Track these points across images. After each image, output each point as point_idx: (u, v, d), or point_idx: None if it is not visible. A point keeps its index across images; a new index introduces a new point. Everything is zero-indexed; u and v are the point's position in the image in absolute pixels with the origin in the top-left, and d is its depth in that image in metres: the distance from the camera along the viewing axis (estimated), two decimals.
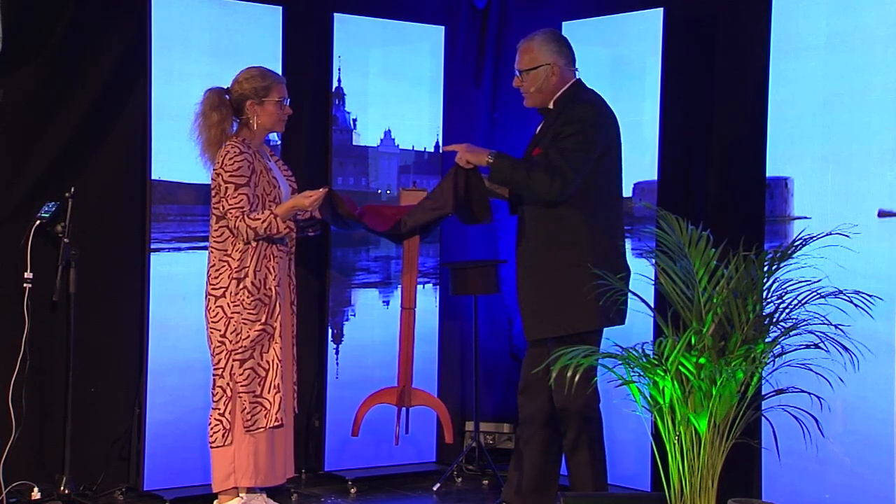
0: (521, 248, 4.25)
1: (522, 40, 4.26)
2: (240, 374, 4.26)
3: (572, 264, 4.05)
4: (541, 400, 4.23)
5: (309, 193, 4.24)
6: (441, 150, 5.53)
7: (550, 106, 4.23)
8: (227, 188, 4.23)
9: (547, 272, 4.15)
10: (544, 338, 4.14)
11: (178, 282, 4.79)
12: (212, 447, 4.29)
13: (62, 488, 4.58)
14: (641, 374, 3.53)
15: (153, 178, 4.79)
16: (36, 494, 4.56)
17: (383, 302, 5.42)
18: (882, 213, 4.16)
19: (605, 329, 4.15)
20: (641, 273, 4.17)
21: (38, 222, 4.56)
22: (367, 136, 5.41)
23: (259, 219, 4.20)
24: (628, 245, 4.94)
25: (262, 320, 4.27)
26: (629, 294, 3.91)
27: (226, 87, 4.35)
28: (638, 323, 4.24)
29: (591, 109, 4.14)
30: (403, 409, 4.85)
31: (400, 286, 5.19)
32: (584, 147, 4.07)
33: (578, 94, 4.20)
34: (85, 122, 4.82)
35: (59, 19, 4.73)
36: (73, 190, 4.61)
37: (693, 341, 3.49)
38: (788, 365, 3.61)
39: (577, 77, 4.25)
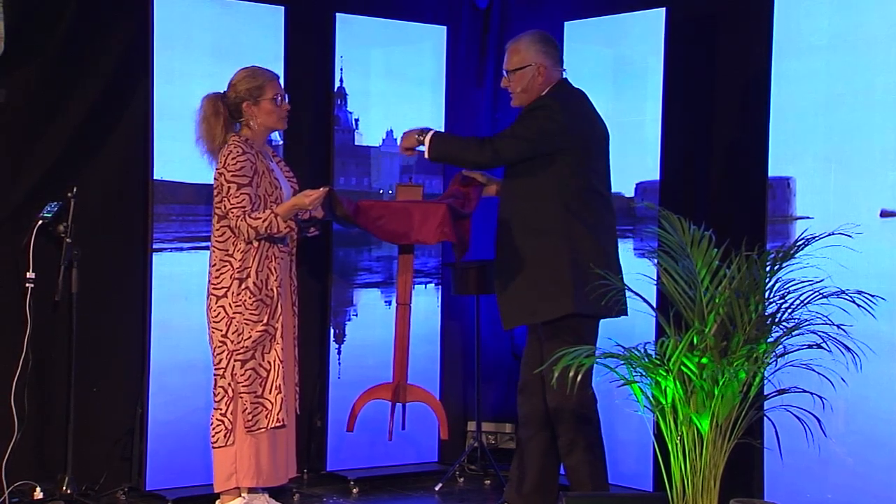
0: (498, 239, 4.28)
1: (510, 41, 4.30)
2: (241, 375, 4.26)
3: (544, 254, 4.08)
4: (536, 400, 4.23)
5: (309, 193, 4.24)
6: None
7: None
8: (229, 188, 4.23)
9: (520, 261, 4.17)
10: (516, 326, 4.21)
11: (180, 282, 4.79)
12: (213, 447, 4.29)
13: (64, 488, 4.58)
14: (643, 373, 3.53)
15: (155, 178, 4.79)
16: (38, 494, 4.56)
17: (385, 302, 5.42)
18: (884, 213, 4.16)
19: (605, 326, 4.15)
20: (643, 273, 4.16)
21: (40, 222, 4.56)
22: (369, 136, 5.41)
23: (260, 218, 4.20)
24: (630, 245, 4.95)
25: (264, 321, 4.27)
26: (626, 293, 3.91)
27: (223, 91, 4.35)
28: (640, 323, 4.24)
29: (554, 102, 4.16)
30: (399, 404, 4.85)
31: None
32: (529, 127, 4.14)
33: (558, 94, 4.21)
34: (86, 123, 4.82)
35: (61, 20, 4.74)
36: (75, 190, 4.61)
37: (695, 341, 3.49)
38: (791, 365, 3.61)
39: (564, 77, 4.26)
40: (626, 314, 4.15)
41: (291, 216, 4.24)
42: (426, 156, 4.29)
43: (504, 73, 4.28)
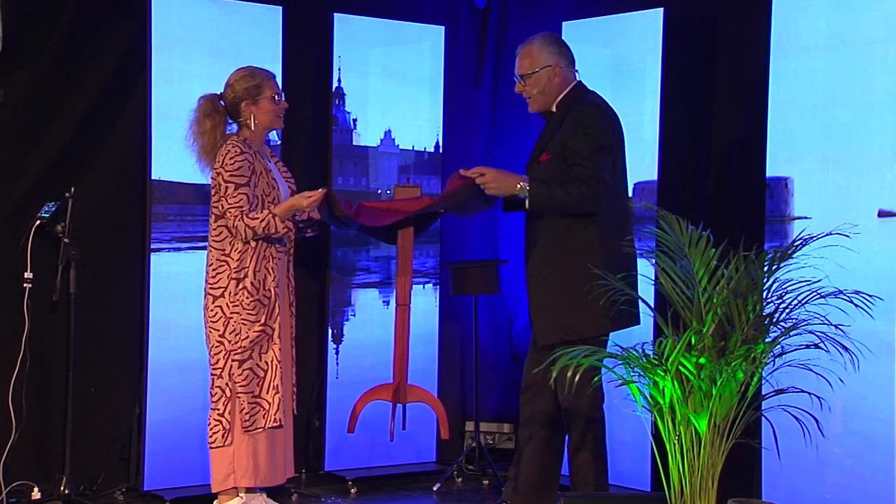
0: (530, 252, 4.23)
1: (521, 45, 4.24)
2: (238, 375, 4.26)
3: (581, 270, 4.03)
4: (542, 400, 4.22)
5: (308, 194, 4.24)
6: (442, 150, 5.54)
7: (553, 109, 4.22)
8: (227, 187, 4.23)
9: (557, 278, 4.13)
10: (553, 343, 4.11)
11: (178, 282, 4.79)
12: (211, 447, 4.29)
13: (62, 488, 4.58)
14: (641, 374, 3.53)
15: (153, 178, 4.79)
16: (36, 494, 4.56)
17: (383, 302, 5.42)
18: (882, 213, 4.16)
19: (613, 331, 4.14)
20: (642, 273, 4.17)
21: (38, 222, 4.56)
22: (367, 136, 5.41)
23: (258, 218, 4.20)
24: None
25: (262, 321, 4.27)
26: (636, 296, 3.90)
27: (219, 92, 4.35)
28: None
29: (597, 110, 4.13)
30: (399, 405, 4.86)
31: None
32: (603, 150, 4.05)
33: (580, 96, 4.19)
34: (85, 123, 4.82)
35: (59, 20, 4.73)
36: (73, 190, 4.61)
37: (693, 341, 3.49)
38: (788, 365, 3.61)
39: (578, 79, 4.25)
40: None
41: (289, 217, 4.24)
42: (528, 206, 4.05)
43: (517, 78, 4.23)
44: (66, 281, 4.61)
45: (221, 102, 4.33)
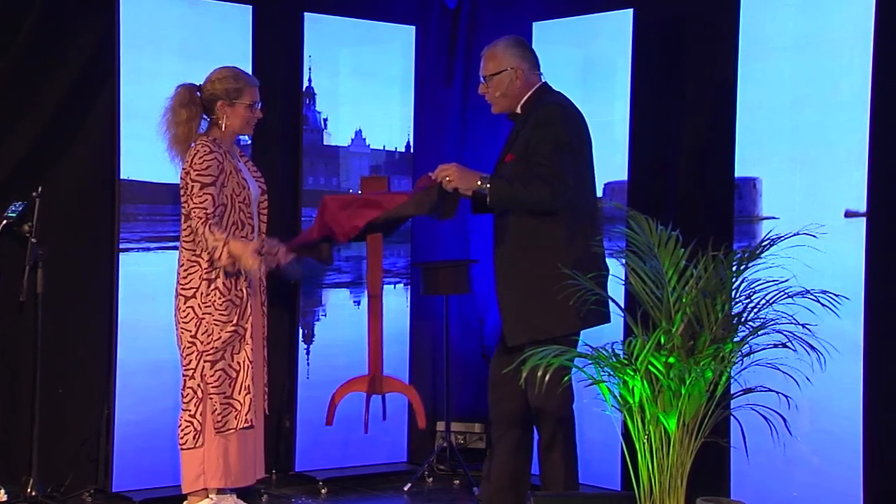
0: (498, 253, 4.23)
1: (486, 47, 4.27)
2: (211, 375, 4.24)
3: (550, 269, 4.03)
4: (512, 400, 4.23)
5: (255, 258, 4.12)
6: (413, 150, 5.53)
7: (518, 111, 4.24)
8: (193, 187, 4.20)
9: (525, 278, 4.13)
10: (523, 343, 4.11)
11: (147, 282, 4.77)
12: (182, 449, 4.26)
13: (30, 490, 4.54)
14: (611, 373, 3.54)
15: (122, 177, 4.76)
16: (2, 496, 4.52)
17: (354, 302, 5.41)
18: (849, 214, 4.20)
19: (583, 329, 4.15)
20: (612, 273, 4.18)
21: (4, 222, 4.52)
22: (337, 135, 5.40)
23: (218, 239, 4.14)
24: None
25: (234, 321, 4.25)
26: (605, 294, 3.91)
27: (199, 84, 4.32)
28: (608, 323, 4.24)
29: (559, 109, 4.15)
30: (375, 396, 4.86)
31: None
32: (563, 147, 4.06)
33: (545, 97, 4.21)
34: (53, 122, 4.78)
35: (26, 18, 4.70)
36: (40, 189, 4.57)
37: (662, 341, 3.51)
38: (757, 364, 3.63)
39: (543, 81, 4.27)
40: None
41: (254, 255, 4.13)
42: (488, 202, 4.03)
43: (482, 79, 4.27)
44: (34, 281, 4.57)
45: (198, 94, 4.29)
